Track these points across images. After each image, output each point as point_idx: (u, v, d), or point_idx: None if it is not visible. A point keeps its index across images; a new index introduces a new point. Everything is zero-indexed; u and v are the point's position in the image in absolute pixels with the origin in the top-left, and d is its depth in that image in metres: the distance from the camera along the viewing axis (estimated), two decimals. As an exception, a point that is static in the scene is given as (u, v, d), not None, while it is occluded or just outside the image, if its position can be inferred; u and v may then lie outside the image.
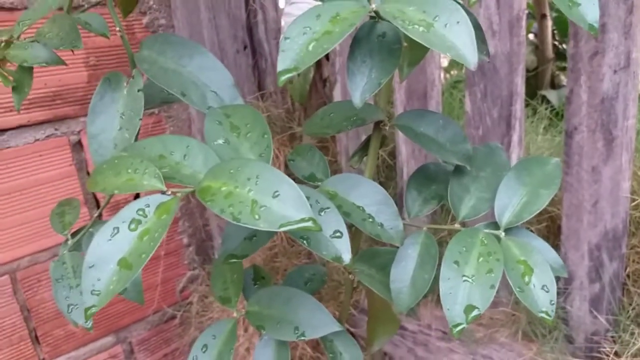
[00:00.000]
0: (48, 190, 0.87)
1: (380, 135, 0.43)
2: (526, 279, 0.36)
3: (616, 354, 0.68)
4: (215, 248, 1.11)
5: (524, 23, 0.71)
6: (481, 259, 0.36)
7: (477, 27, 0.39)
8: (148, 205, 0.31)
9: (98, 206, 0.93)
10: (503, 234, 0.39)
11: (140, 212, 0.31)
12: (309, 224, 0.29)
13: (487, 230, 0.39)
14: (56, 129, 0.87)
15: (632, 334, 0.67)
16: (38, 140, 0.86)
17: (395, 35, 0.34)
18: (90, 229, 0.52)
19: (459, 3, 0.31)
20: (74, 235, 0.56)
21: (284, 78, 0.29)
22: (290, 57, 0.29)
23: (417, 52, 0.44)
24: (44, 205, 0.87)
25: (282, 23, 1.01)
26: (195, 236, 1.08)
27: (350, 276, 0.47)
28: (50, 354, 0.91)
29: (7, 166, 0.82)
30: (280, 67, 0.29)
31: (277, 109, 1.08)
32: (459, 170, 0.43)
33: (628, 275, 0.70)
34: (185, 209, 1.06)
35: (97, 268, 0.29)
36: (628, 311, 0.69)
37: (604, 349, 0.69)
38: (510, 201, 0.40)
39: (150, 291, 1.03)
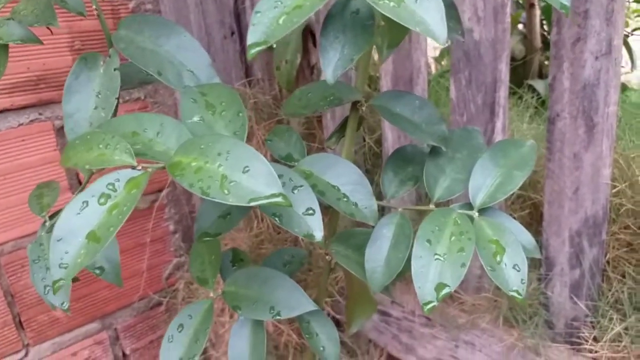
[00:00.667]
0: (32, 175, 0.87)
1: (357, 116, 0.43)
2: (498, 258, 0.36)
3: (595, 339, 0.68)
4: (201, 235, 1.11)
5: (508, 10, 0.71)
6: (453, 237, 0.37)
7: (451, 6, 0.39)
8: (118, 180, 0.31)
9: (82, 192, 0.93)
10: (476, 214, 0.40)
11: (110, 187, 0.31)
12: (279, 199, 0.29)
13: (460, 211, 0.40)
14: (40, 114, 0.87)
15: (611, 319, 0.67)
16: (22, 124, 0.85)
17: (368, 12, 0.34)
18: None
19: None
20: (52, 217, 0.56)
21: (254, 51, 0.29)
22: (260, 31, 0.29)
23: (397, 34, 0.44)
24: (28, 190, 0.86)
25: (269, 9, 1.01)
26: (181, 223, 1.08)
27: (327, 257, 0.47)
28: (35, 340, 0.91)
29: (-11, 150, 0.81)
30: (250, 40, 0.29)
31: (265, 95, 1.08)
32: (435, 152, 0.43)
33: (608, 262, 0.71)
34: (172, 196, 1.05)
35: (65, 241, 0.29)
36: (607, 297, 0.69)
37: (583, 334, 0.70)
38: (485, 182, 0.40)
39: (136, 278, 1.03)
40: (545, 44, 1.37)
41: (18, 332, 0.89)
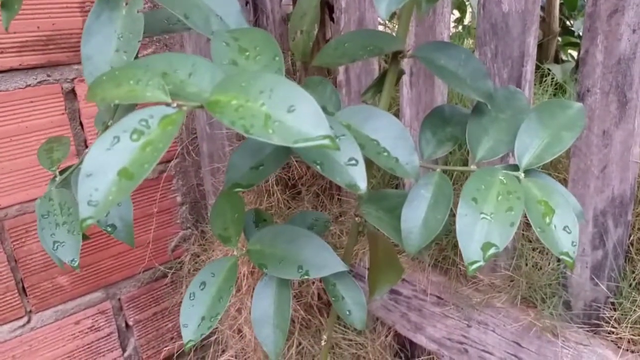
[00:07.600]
0: (39, 138, 0.84)
1: (397, 69, 0.41)
2: (547, 219, 0.34)
3: (616, 320, 0.67)
4: (209, 208, 1.09)
5: (540, -20, 0.69)
6: (500, 197, 0.34)
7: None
8: (152, 117, 0.29)
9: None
10: (523, 175, 0.38)
11: (143, 123, 0.29)
12: (327, 141, 0.27)
13: (506, 171, 0.37)
14: (49, 75, 0.84)
15: (634, 301, 0.66)
16: (30, 85, 0.82)
17: (424, -51, 0.32)
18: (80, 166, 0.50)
19: None
20: (62, 172, 0.53)
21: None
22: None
23: (438, -14, 0.42)
24: (34, 154, 0.84)
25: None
26: (189, 195, 1.06)
27: (357, 219, 0.45)
28: (37, 306, 0.89)
29: (-4, 108, 0.79)
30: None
31: (278, 67, 1.05)
32: (478, 111, 0.41)
33: (632, 243, 0.69)
34: (180, 167, 1.03)
35: (95, 177, 0.27)
36: (630, 279, 0.68)
37: (603, 316, 0.68)
38: (532, 142, 0.38)
39: (142, 248, 1.01)
40: (564, 28, 1.34)
41: (21, 299, 0.87)
